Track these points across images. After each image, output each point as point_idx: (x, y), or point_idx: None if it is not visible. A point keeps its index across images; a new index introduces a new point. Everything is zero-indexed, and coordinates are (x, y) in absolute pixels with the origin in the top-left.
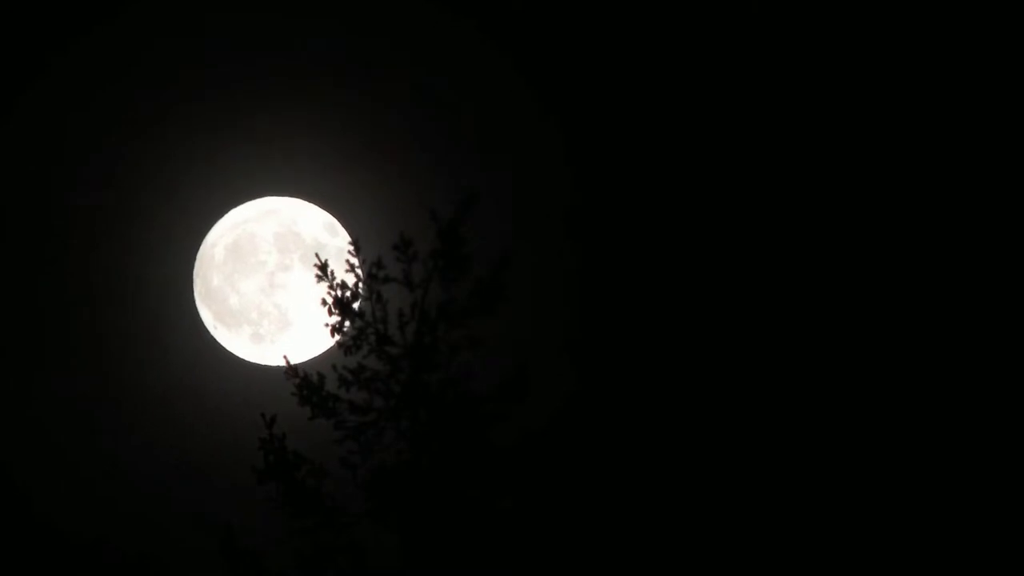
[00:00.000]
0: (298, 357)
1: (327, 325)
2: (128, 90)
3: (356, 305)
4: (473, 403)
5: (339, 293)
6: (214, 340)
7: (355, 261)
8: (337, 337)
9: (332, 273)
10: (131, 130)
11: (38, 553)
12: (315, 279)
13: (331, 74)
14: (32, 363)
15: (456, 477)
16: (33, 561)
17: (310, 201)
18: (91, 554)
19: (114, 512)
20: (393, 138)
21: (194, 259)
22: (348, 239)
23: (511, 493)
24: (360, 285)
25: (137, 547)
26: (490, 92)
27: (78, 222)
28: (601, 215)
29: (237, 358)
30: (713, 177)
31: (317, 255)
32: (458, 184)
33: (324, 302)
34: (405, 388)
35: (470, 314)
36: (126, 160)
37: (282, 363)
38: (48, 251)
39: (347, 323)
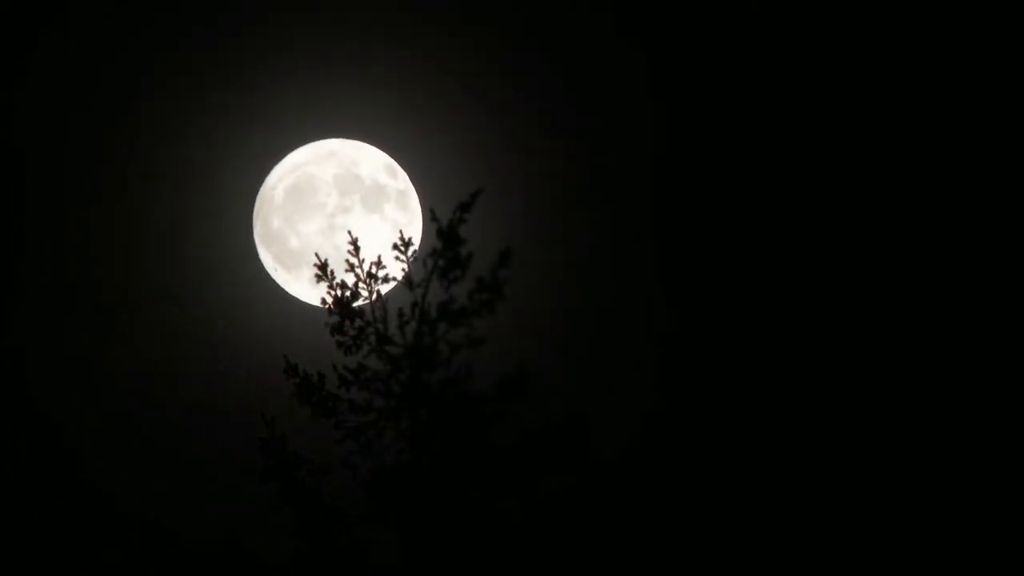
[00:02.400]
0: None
1: (327, 324)
2: (186, 31)
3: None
4: (473, 403)
5: (339, 293)
6: (274, 282)
7: (355, 261)
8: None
9: (332, 273)
10: (190, 71)
11: (86, 493)
12: (315, 279)
13: (392, 14)
14: (89, 305)
15: (456, 477)
16: (80, 501)
17: (370, 143)
18: (140, 500)
19: (167, 455)
20: (455, 79)
21: (254, 201)
22: (407, 181)
23: (512, 493)
24: (361, 284)
25: (189, 491)
26: (559, 37)
27: (137, 164)
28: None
29: (297, 300)
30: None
31: (317, 255)
32: (518, 126)
33: (324, 302)
34: (405, 388)
35: (470, 313)
36: (186, 101)
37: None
38: (106, 193)
39: (347, 322)
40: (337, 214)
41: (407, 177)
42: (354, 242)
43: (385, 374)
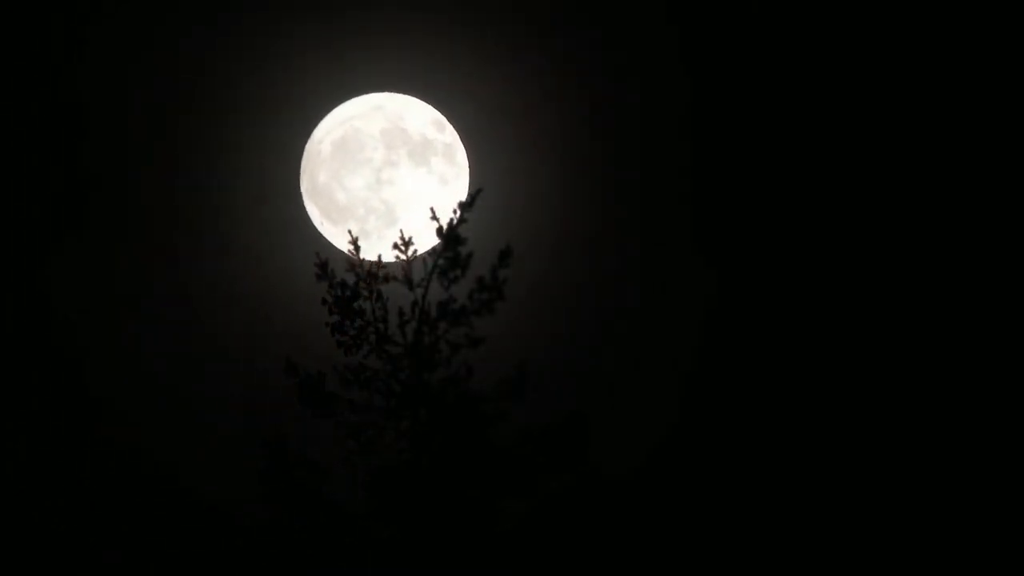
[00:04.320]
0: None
1: (327, 324)
2: None
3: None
4: (473, 402)
5: (339, 292)
6: (321, 236)
7: (355, 260)
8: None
9: (332, 272)
10: (238, 26)
11: (132, 442)
12: (315, 277)
13: None
14: (138, 256)
15: (456, 477)
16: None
17: (417, 97)
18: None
19: (213, 410)
20: (502, 33)
21: (301, 155)
22: (454, 135)
23: (512, 493)
24: (361, 284)
25: (233, 443)
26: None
27: (185, 120)
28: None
29: (344, 254)
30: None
31: (317, 254)
32: (566, 81)
33: (324, 301)
34: (405, 387)
35: (470, 313)
36: (233, 57)
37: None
38: (155, 148)
39: (347, 322)
40: (384, 168)
41: (454, 131)
42: (354, 241)
43: (385, 373)
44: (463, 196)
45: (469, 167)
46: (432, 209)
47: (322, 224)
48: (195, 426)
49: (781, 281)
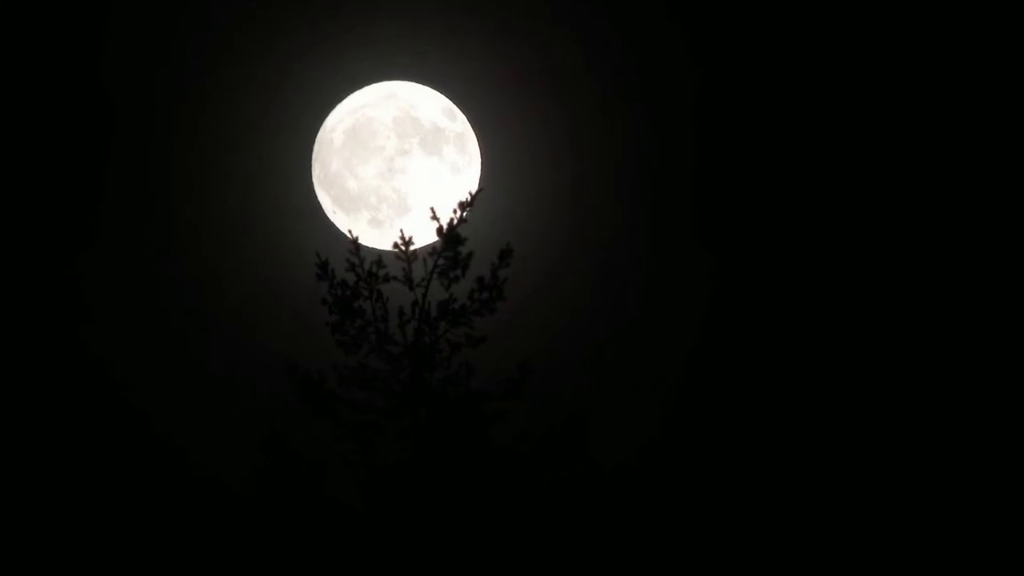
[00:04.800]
0: (416, 242)
1: (327, 324)
2: None
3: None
4: (474, 402)
5: (339, 292)
6: (332, 224)
7: (355, 260)
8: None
9: (332, 272)
10: (251, 14)
11: (144, 427)
12: (315, 277)
13: None
14: (152, 245)
15: (456, 477)
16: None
17: (429, 86)
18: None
19: (225, 396)
20: (513, 23)
21: (313, 144)
22: (466, 123)
23: (512, 493)
24: (361, 284)
25: (246, 429)
26: None
27: (198, 109)
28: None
29: (350, 245)
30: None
31: (318, 254)
32: (577, 69)
33: (324, 301)
34: (406, 387)
35: (471, 312)
36: (246, 45)
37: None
38: (169, 137)
39: (347, 322)
40: (396, 156)
41: (465, 120)
42: (354, 241)
43: (386, 373)
44: (474, 184)
45: (480, 155)
46: (432, 209)
47: (334, 213)
48: (196, 425)
49: (782, 282)
